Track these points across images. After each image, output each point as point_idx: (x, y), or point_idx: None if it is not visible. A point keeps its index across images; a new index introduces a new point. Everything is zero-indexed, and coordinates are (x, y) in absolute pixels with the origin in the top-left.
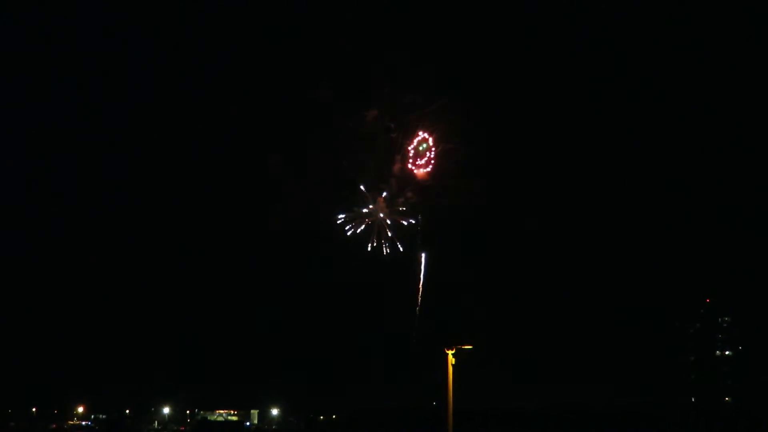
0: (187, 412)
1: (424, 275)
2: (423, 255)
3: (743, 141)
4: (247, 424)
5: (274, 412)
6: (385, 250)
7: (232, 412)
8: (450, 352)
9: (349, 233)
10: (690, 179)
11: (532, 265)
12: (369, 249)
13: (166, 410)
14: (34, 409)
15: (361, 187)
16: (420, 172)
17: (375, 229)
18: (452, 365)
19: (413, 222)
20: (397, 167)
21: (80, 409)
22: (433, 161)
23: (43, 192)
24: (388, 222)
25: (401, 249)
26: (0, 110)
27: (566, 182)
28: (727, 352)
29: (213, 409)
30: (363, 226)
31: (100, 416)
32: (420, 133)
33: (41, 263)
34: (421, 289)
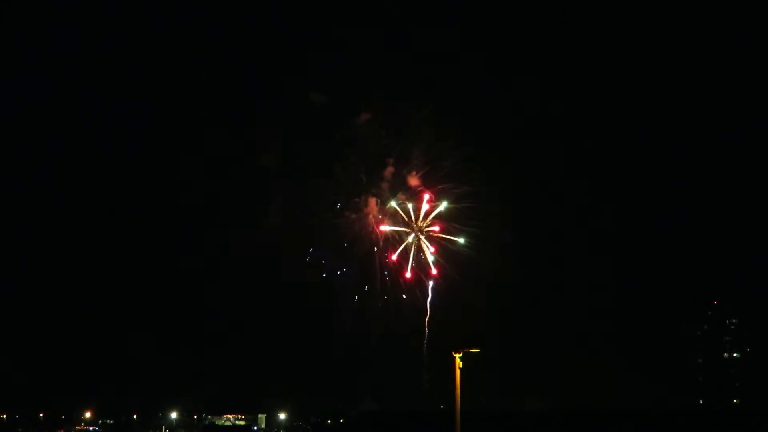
0: (195, 416)
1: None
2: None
3: (752, 142)
4: (255, 428)
5: (282, 416)
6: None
7: (239, 416)
8: (457, 356)
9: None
10: (698, 179)
11: (537, 264)
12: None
13: (174, 415)
14: (41, 414)
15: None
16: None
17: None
18: (459, 368)
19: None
20: (389, 171)
21: (87, 414)
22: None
23: (46, 194)
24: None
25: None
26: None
27: (574, 179)
28: (734, 354)
29: (221, 413)
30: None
31: (108, 421)
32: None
33: (47, 267)
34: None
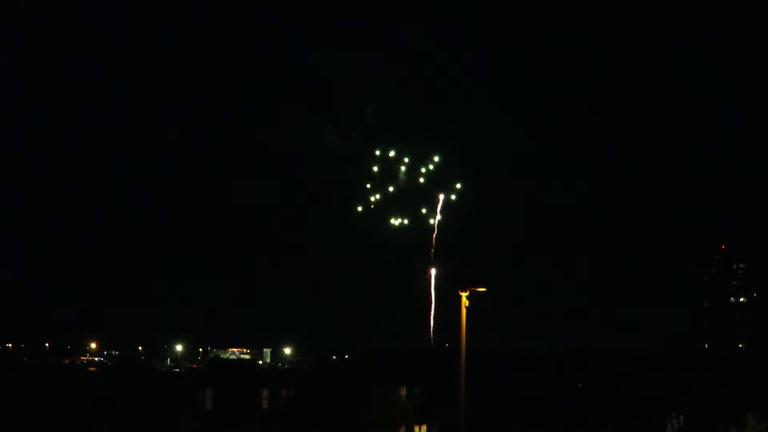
0: (200, 349)
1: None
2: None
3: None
4: (260, 362)
5: (287, 351)
6: None
7: (245, 350)
8: (464, 294)
9: None
10: (706, 124)
11: (541, 209)
12: None
13: (179, 347)
14: (46, 345)
15: None
16: None
17: None
18: (466, 307)
19: None
20: None
21: (93, 345)
22: None
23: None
24: None
25: None
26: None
27: (586, 125)
28: (741, 299)
29: (226, 347)
30: None
31: (113, 352)
32: None
33: (54, 195)
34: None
